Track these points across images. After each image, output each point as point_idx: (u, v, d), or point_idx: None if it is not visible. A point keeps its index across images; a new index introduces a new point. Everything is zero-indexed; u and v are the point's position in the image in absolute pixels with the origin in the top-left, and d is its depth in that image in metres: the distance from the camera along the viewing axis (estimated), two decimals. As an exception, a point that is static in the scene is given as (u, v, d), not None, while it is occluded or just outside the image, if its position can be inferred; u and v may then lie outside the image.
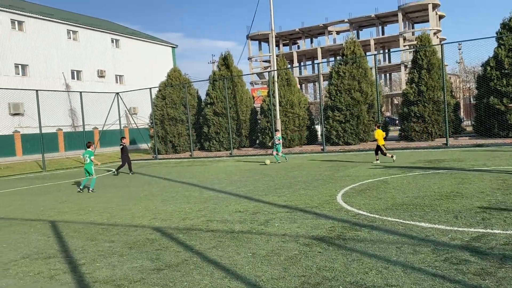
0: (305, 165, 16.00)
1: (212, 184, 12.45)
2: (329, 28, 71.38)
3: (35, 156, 27.92)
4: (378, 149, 14.99)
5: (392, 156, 14.64)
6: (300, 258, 4.99)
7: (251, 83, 71.65)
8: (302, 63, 75.29)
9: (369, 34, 71.75)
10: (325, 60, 70.22)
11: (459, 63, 58.79)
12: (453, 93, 24.96)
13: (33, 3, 40.59)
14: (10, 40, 32.18)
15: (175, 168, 19.63)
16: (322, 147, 22.56)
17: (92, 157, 12.96)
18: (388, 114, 58.70)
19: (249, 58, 74.92)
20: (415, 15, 65.72)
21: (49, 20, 35.27)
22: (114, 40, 41.73)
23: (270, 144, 20.94)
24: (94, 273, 5.03)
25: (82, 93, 27.45)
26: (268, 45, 70.41)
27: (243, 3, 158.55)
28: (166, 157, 27.32)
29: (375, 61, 23.71)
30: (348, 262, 4.70)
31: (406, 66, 59.87)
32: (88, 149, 13.12)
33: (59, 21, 36.07)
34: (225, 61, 27.90)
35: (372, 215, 6.86)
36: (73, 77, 37.09)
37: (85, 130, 28.16)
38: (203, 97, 28.89)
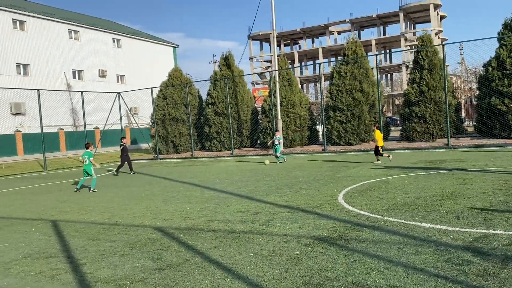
0: (306, 165, 15.99)
1: (213, 184, 12.45)
2: (330, 28, 71.35)
3: (36, 156, 27.94)
4: (376, 149, 15.06)
5: (388, 156, 14.78)
6: (302, 258, 4.98)
7: (252, 83, 71.70)
8: (303, 63, 75.30)
9: (370, 34, 71.61)
10: (326, 60, 70.16)
11: (460, 63, 58.68)
12: (455, 94, 24.89)
13: (35, 3, 40.61)
14: (11, 40, 32.24)
15: (176, 168, 19.63)
16: (323, 147, 22.54)
17: (91, 158, 12.89)
18: (389, 114, 58.67)
19: (250, 58, 74.91)
20: (417, 16, 65.66)
21: (51, 20, 35.31)
22: (116, 40, 41.76)
23: (270, 144, 20.93)
24: (96, 273, 5.03)
25: (84, 92, 27.49)
26: (269, 45, 70.45)
27: (244, 3, 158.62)
28: (167, 157, 27.32)
29: (376, 61, 23.61)
30: (350, 263, 4.69)
31: (407, 67, 59.84)
32: (87, 150, 13.02)
33: (61, 20, 36.12)
34: (227, 61, 27.90)
35: (373, 215, 6.85)
36: (74, 77, 37.14)
37: (86, 129, 28.19)
38: (204, 97, 28.89)
